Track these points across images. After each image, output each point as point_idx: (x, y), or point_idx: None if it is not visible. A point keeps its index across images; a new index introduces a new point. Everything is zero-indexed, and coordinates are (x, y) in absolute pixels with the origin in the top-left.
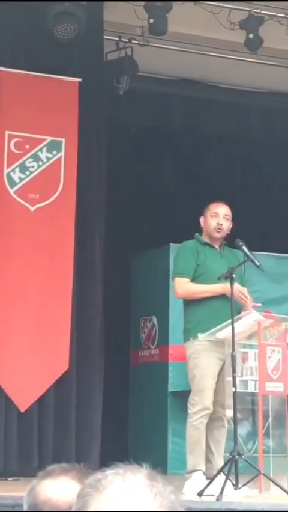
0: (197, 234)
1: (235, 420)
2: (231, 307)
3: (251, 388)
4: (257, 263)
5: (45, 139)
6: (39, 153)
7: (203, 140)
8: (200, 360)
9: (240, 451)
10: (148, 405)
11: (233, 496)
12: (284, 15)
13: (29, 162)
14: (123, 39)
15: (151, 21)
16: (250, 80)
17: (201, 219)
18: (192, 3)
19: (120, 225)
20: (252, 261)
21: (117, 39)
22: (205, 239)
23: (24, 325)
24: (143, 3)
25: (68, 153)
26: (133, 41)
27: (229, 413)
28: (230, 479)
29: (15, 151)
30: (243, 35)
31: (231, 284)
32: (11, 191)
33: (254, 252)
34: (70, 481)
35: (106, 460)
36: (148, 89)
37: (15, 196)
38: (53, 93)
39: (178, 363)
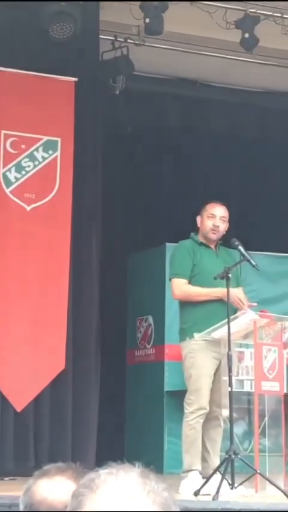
0: (192, 234)
1: (231, 420)
2: (227, 308)
3: (247, 387)
4: (253, 263)
5: (41, 139)
6: (35, 153)
7: (199, 140)
8: (196, 360)
9: (236, 450)
10: (144, 404)
11: (229, 496)
12: (279, 15)
13: (25, 162)
14: (119, 39)
15: (147, 20)
16: (246, 79)
17: (198, 219)
18: (188, 2)
19: (116, 225)
20: (248, 261)
21: (113, 38)
22: (201, 239)
23: (20, 325)
24: (138, 2)
25: (64, 153)
26: (129, 41)
27: (225, 412)
28: (226, 479)
29: (11, 150)
30: (239, 34)
31: (227, 285)
32: (7, 191)
33: (249, 252)
34: (66, 481)
35: (102, 460)
36: (144, 88)
37: (11, 196)
38: (49, 93)
39: (174, 362)
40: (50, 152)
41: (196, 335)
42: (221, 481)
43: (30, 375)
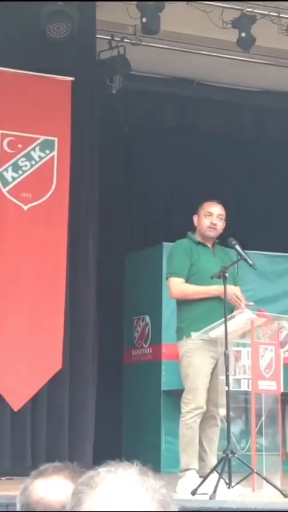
0: (189, 233)
1: (228, 419)
2: (224, 307)
3: (244, 387)
4: (250, 262)
5: (38, 138)
6: (32, 152)
7: (196, 139)
8: (194, 359)
9: (233, 450)
10: (141, 404)
11: (226, 495)
12: (276, 14)
13: (22, 161)
14: (115, 38)
15: (144, 20)
16: (243, 78)
17: (195, 218)
18: (185, 2)
19: (113, 224)
20: (245, 260)
21: (109, 38)
22: (198, 238)
23: (17, 324)
24: (135, 2)
25: (61, 152)
26: (126, 40)
27: (222, 411)
28: (223, 478)
29: (8, 150)
30: (236, 33)
31: (224, 284)
32: (4, 190)
33: (246, 251)
34: (63, 480)
35: (99, 459)
36: (141, 88)
37: (8, 196)
38: (45, 92)
39: (171, 362)
40: (47, 151)
41: (193, 334)
42: (218, 480)
43: (27, 375)
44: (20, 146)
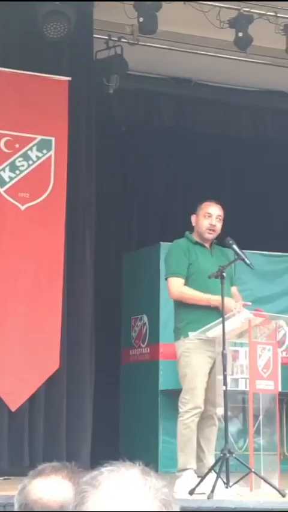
0: (187, 233)
1: (226, 419)
2: (222, 307)
3: (241, 386)
4: (248, 261)
5: (35, 138)
6: (29, 152)
7: (193, 139)
8: (191, 359)
9: (231, 449)
10: (139, 404)
11: (224, 494)
12: (273, 14)
13: (19, 161)
14: (113, 38)
15: (141, 20)
16: (240, 78)
17: (193, 218)
18: (182, 2)
19: (110, 224)
20: (243, 260)
21: (107, 38)
22: (196, 238)
23: (14, 324)
24: (132, 2)
25: (58, 152)
26: (123, 40)
27: (220, 411)
28: (221, 478)
29: (5, 150)
30: (233, 33)
31: (222, 283)
32: (1, 190)
33: (244, 251)
34: (61, 480)
35: (97, 459)
36: (138, 87)
37: (6, 196)
38: (42, 92)
39: (169, 361)
40: (44, 151)
41: (191, 334)
42: (216, 479)
43: (25, 375)
44: (17, 146)
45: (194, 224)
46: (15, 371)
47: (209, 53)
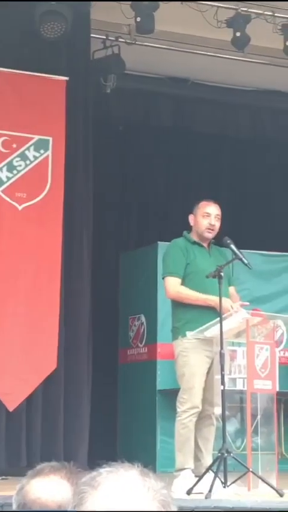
0: (185, 232)
1: (224, 418)
2: (219, 306)
3: (239, 386)
4: (245, 261)
5: (32, 138)
6: (26, 152)
7: (191, 138)
8: (189, 359)
9: (228, 449)
10: (137, 403)
11: (222, 494)
12: (271, 13)
13: (17, 161)
14: (110, 38)
15: (138, 19)
16: (238, 78)
17: (191, 217)
18: (179, 1)
19: (108, 224)
20: (241, 259)
21: (104, 37)
22: (194, 238)
23: (12, 324)
24: (129, 2)
25: (56, 152)
26: (120, 40)
27: (217, 410)
28: (218, 477)
29: (2, 150)
30: (231, 33)
31: (219, 283)
32: None
33: (242, 250)
34: (60, 480)
35: (94, 459)
36: (135, 87)
37: (3, 195)
38: (40, 92)
39: (166, 361)
40: (42, 151)
41: (189, 334)
42: (214, 479)
43: (22, 375)
44: (14, 146)
45: (192, 224)
46: (15, 371)
47: (206, 53)
